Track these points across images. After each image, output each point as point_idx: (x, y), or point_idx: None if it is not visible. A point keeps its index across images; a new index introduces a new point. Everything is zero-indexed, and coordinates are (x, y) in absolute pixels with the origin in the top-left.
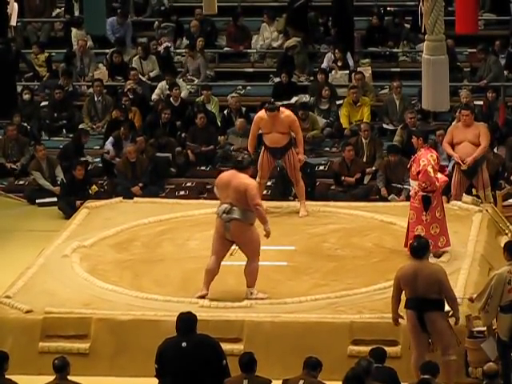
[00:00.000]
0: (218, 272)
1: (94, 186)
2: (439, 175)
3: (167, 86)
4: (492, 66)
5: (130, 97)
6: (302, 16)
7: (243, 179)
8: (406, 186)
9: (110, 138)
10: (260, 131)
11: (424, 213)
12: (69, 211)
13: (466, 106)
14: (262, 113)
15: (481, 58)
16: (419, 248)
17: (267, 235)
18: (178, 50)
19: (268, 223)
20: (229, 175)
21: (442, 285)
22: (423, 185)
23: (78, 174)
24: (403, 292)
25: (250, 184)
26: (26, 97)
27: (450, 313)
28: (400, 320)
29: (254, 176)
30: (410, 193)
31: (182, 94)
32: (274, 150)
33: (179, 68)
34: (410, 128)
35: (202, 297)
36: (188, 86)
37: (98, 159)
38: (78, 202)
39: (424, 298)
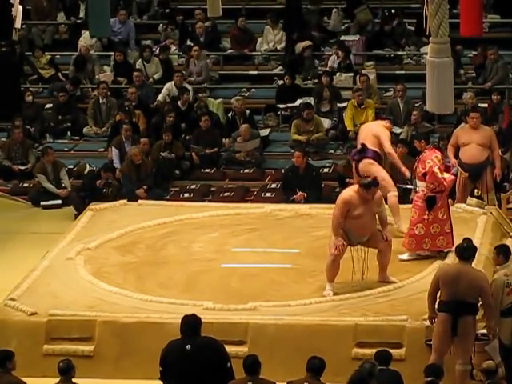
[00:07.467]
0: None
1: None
2: (446, 175)
3: (175, 89)
4: (499, 69)
5: (134, 103)
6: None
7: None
8: (408, 186)
9: (114, 151)
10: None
11: (427, 212)
12: (80, 207)
13: (474, 109)
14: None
15: (494, 58)
16: (467, 249)
17: None
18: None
19: None
20: None
21: (484, 292)
22: (431, 186)
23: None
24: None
25: None
26: (29, 99)
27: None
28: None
29: None
30: (418, 194)
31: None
32: None
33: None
34: (415, 126)
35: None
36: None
37: (102, 161)
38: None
39: (462, 301)
